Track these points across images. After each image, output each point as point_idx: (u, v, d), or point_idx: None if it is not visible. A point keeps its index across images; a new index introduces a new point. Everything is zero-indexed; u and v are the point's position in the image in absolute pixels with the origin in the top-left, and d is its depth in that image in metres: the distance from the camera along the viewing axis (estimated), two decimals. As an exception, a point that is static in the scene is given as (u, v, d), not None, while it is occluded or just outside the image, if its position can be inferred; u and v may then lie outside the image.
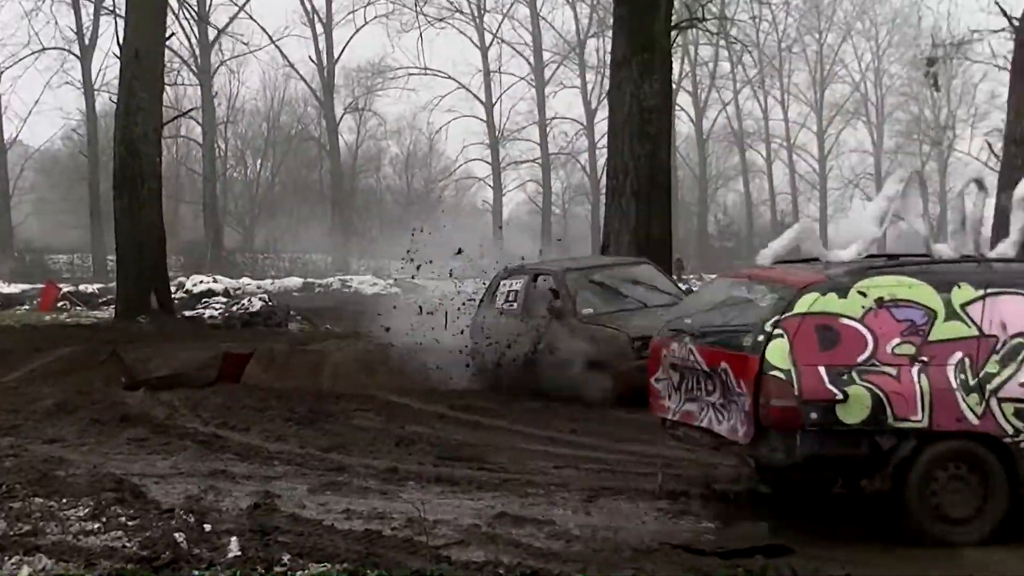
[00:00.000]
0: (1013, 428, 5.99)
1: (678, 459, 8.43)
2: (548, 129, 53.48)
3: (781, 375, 5.99)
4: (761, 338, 6.13)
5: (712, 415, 6.51)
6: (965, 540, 5.92)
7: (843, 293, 6.22)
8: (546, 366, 11.66)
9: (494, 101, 53.31)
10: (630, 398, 10.23)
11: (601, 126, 45.73)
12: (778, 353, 6.05)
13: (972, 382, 6.01)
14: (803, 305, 6.19)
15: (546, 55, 53.16)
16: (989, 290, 6.22)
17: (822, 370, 5.99)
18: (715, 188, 61.79)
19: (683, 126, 57.74)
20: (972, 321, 6.13)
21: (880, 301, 6.16)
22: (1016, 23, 14.99)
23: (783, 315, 6.17)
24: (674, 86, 49.91)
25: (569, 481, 7.58)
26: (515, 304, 12.40)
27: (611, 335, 11.34)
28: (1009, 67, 15.33)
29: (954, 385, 5.99)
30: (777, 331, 6.11)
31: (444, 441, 9.24)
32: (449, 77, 51.50)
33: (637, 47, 15.76)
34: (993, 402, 5.99)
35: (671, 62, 16.78)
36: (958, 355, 6.06)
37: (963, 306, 6.17)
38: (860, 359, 6.02)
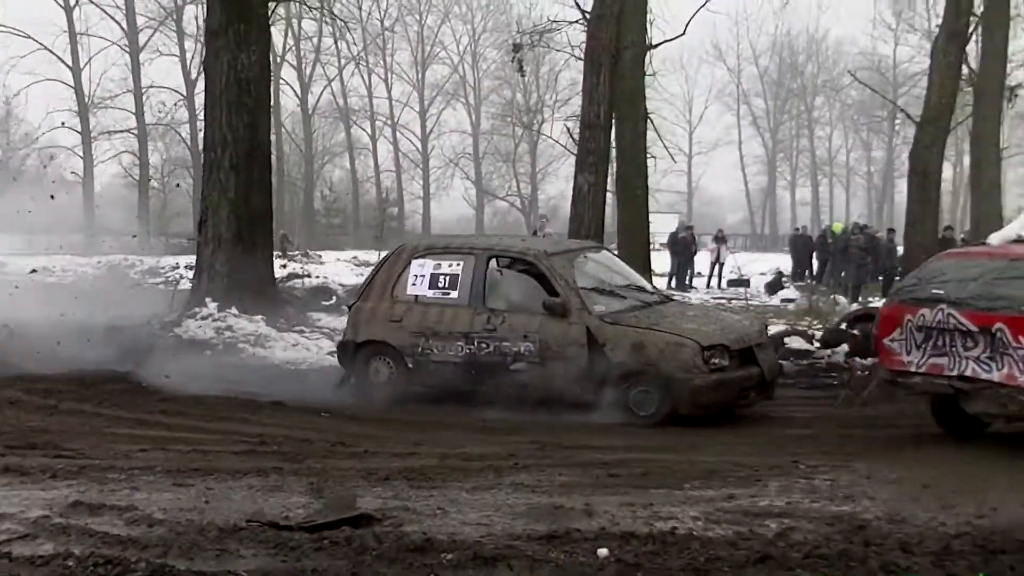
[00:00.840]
0: None
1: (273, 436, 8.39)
2: (144, 98, 50.63)
3: None
4: None
5: (974, 366, 7.99)
6: None
7: None
8: (548, 375, 9.56)
9: (82, 66, 49.68)
10: (692, 417, 9.20)
11: (202, 97, 44.20)
12: None
13: None
14: None
15: (140, 20, 50.22)
16: None
17: None
18: (321, 164, 61.75)
19: (288, 101, 57.16)
20: None
21: None
22: (588, 16, 16.19)
23: None
24: (277, 59, 49.42)
25: (155, 464, 7.26)
26: (454, 292, 10.05)
27: (675, 342, 9.32)
28: (584, 57, 16.51)
29: None
30: None
31: (16, 428, 8.54)
32: (28, 36, 47.23)
33: (233, 16, 15.33)
34: None
35: (269, 33, 16.48)
36: None
37: None
38: None
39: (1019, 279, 8.05)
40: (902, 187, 25.43)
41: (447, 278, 10.09)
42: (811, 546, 5.26)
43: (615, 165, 19.14)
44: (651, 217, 20.01)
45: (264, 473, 6.98)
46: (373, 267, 10.71)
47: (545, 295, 9.80)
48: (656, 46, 19.00)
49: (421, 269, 10.23)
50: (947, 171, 53.01)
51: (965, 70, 18.51)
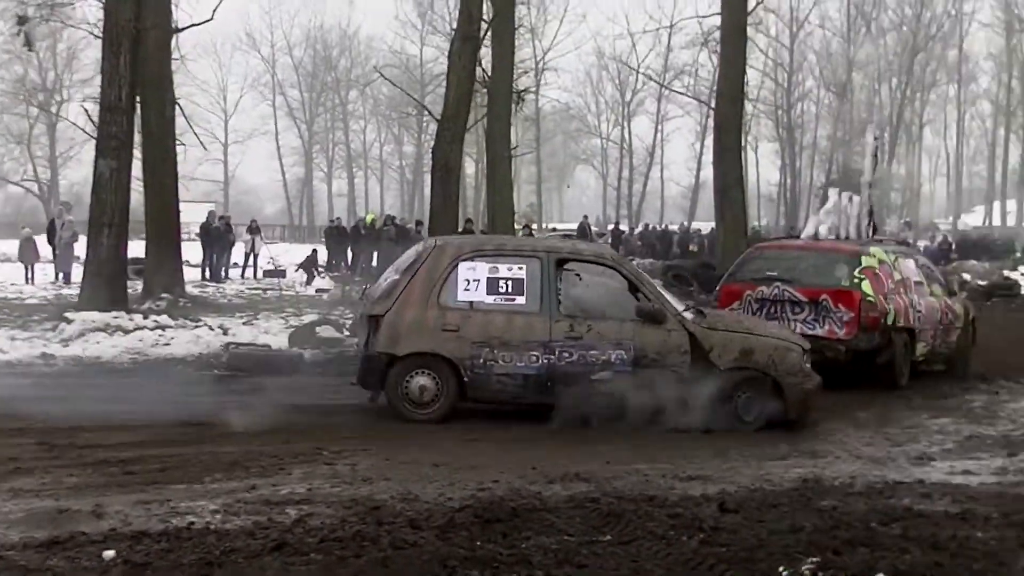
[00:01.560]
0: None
1: None
2: None
3: (873, 299, 11.46)
4: (855, 280, 11.55)
5: (801, 326, 11.31)
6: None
7: (870, 255, 11.95)
8: (642, 384, 8.96)
9: None
10: (794, 420, 9.28)
11: None
12: (868, 287, 11.52)
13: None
14: (865, 262, 11.80)
15: None
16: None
17: (882, 296, 11.58)
18: None
19: None
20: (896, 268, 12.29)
21: (880, 260, 11.97)
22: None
23: (860, 267, 11.70)
24: None
25: None
26: (520, 298, 9.21)
27: (784, 347, 9.41)
28: (102, 36, 15.59)
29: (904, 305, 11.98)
30: (861, 276, 11.60)
31: None
32: None
33: None
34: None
35: None
36: (903, 291, 12.08)
37: (894, 261, 12.34)
38: (886, 290, 11.71)
39: (833, 264, 11.86)
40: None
41: (509, 283, 9.31)
42: (328, 530, 5.37)
43: (141, 151, 18.34)
44: (183, 206, 19.42)
45: None
46: (403, 271, 9.57)
47: (625, 301, 9.37)
48: (182, 30, 18.46)
49: (473, 272, 9.32)
50: (470, 167, 56.96)
51: (480, 73, 19.80)
